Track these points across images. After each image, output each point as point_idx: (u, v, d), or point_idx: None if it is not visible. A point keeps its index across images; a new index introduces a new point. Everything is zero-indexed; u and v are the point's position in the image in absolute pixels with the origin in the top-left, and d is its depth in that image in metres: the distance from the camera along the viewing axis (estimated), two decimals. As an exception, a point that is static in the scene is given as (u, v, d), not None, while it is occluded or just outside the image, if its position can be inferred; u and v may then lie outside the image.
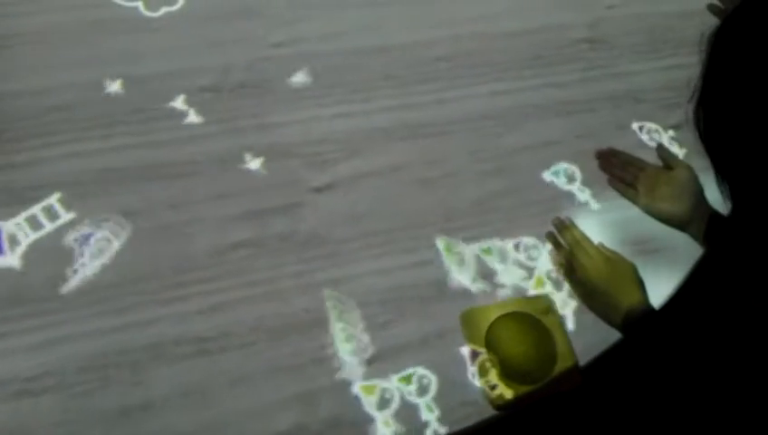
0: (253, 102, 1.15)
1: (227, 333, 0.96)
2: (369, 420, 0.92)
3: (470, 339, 0.99)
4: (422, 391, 0.96)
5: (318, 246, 1.04)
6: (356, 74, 1.20)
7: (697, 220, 1.02)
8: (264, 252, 1.03)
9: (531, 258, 1.07)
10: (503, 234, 1.09)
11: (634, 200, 1.07)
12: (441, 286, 1.04)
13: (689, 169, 1.05)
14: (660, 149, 1.11)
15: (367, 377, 0.96)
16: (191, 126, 1.11)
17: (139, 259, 1.00)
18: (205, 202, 1.05)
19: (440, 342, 1.00)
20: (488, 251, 1.07)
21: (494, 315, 1.00)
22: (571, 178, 1.15)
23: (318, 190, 1.08)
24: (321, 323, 0.99)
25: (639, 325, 0.93)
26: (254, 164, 1.09)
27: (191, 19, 1.21)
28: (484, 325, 0.99)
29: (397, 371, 0.97)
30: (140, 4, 1.22)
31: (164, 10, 1.22)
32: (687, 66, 1.28)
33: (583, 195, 1.14)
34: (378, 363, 0.97)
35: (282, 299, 1.00)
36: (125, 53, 1.16)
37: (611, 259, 0.99)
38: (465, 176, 1.13)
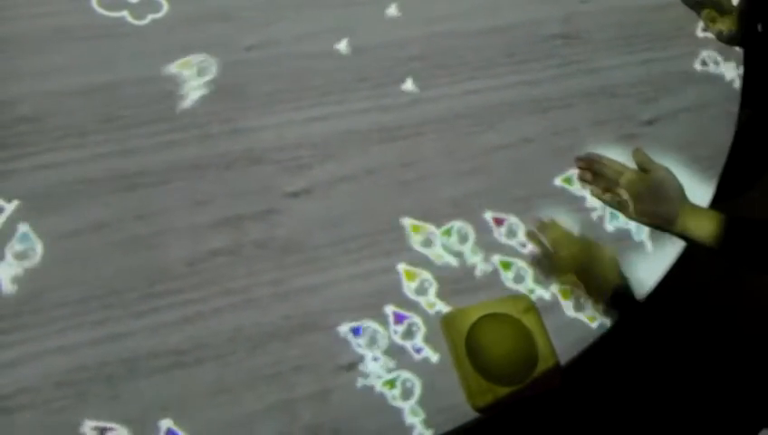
0: (225, 107, 1.13)
1: (204, 344, 0.95)
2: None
3: (451, 342, 0.98)
4: (406, 394, 0.96)
5: (295, 252, 1.03)
6: (330, 76, 1.19)
7: (681, 217, 1.03)
8: (241, 259, 1.01)
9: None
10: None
11: (619, 209, 1.08)
12: (420, 289, 1.03)
13: (666, 169, 1.08)
14: (637, 153, 1.11)
15: (350, 382, 0.95)
16: (163, 133, 1.09)
17: (112, 271, 0.98)
18: (178, 211, 1.04)
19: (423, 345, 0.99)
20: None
21: (474, 317, 0.99)
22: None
23: (294, 195, 1.07)
24: (300, 331, 0.98)
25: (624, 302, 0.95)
26: (229, 170, 1.08)
27: (165, 24, 1.19)
28: (465, 328, 0.98)
29: (380, 376, 0.96)
30: (126, 14, 1.19)
31: (150, 17, 1.19)
32: (662, 60, 1.30)
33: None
34: (357, 370, 0.96)
35: (260, 307, 0.98)
36: (94, 60, 1.14)
37: (590, 247, 1.01)
38: (441, 176, 1.12)
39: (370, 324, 0.99)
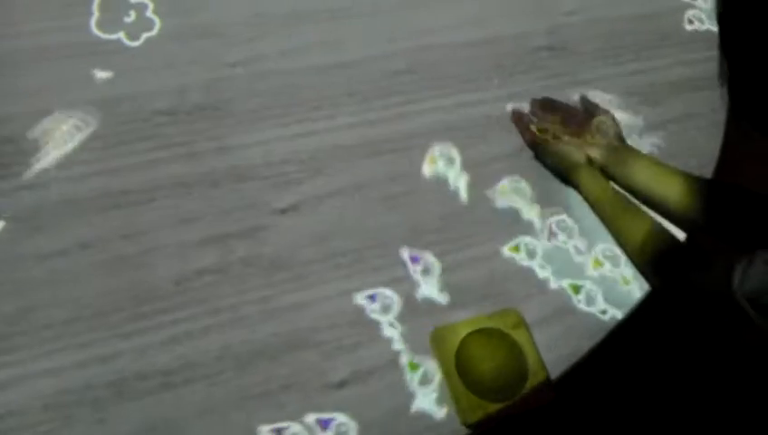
0: (211, 125, 1.12)
1: (192, 364, 0.94)
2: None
3: (440, 358, 0.98)
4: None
5: (284, 269, 1.02)
6: (317, 91, 1.18)
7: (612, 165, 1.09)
8: (228, 278, 1.01)
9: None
10: (470, 247, 1.08)
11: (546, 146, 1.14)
12: (412, 304, 1.02)
13: (609, 113, 1.16)
14: (583, 99, 1.19)
15: (337, 402, 0.94)
16: (148, 151, 1.08)
17: (99, 292, 0.97)
18: (165, 229, 1.03)
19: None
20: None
21: (463, 332, 0.99)
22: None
23: (282, 212, 1.06)
24: (289, 349, 0.97)
25: None
26: (215, 187, 1.07)
27: (151, 42, 1.19)
28: (454, 343, 0.98)
29: (368, 395, 0.95)
30: (122, 35, 1.18)
31: (144, 36, 1.19)
32: (648, 71, 1.31)
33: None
34: (348, 388, 0.95)
35: (248, 325, 0.98)
36: (75, 79, 1.13)
37: None
38: (430, 190, 1.12)
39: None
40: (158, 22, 1.20)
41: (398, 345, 0.99)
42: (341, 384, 0.96)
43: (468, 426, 0.94)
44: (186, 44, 1.19)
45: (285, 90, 1.18)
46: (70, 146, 1.06)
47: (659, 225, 1.02)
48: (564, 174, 1.13)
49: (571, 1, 1.37)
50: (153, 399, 0.91)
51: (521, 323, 1.01)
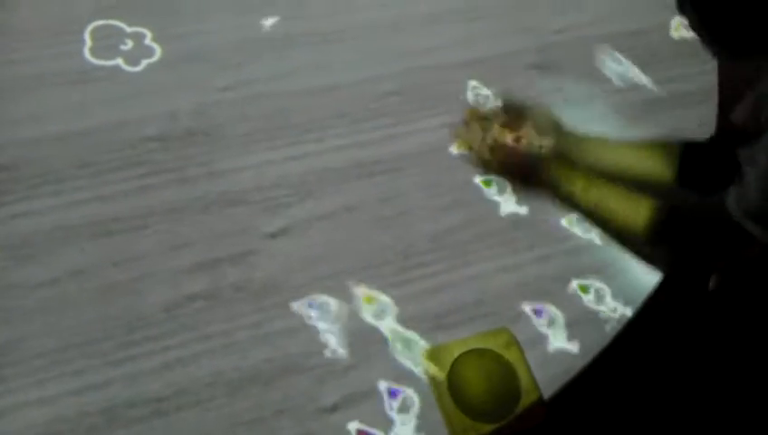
0: (202, 150, 1.13)
1: (184, 391, 0.94)
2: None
3: (432, 378, 0.98)
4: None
5: (274, 294, 1.03)
6: (307, 114, 1.19)
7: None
8: (219, 303, 1.01)
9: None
10: (459, 268, 1.08)
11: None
12: (403, 326, 1.03)
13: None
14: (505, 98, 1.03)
15: (333, 424, 0.94)
16: (139, 178, 1.09)
17: (90, 319, 0.97)
18: (156, 256, 1.03)
19: (404, 383, 0.99)
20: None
21: (456, 353, 0.99)
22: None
23: (272, 236, 1.07)
24: (281, 374, 0.97)
25: None
26: (206, 213, 1.08)
27: (145, 69, 1.20)
28: (447, 363, 0.98)
29: (359, 418, 0.95)
30: (120, 61, 1.19)
31: (145, 63, 1.20)
32: (636, 88, 1.31)
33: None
34: (340, 412, 0.95)
35: (239, 351, 0.98)
36: (68, 106, 1.14)
37: None
38: (420, 212, 1.12)
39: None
40: (158, 49, 1.21)
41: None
42: (333, 408, 0.96)
43: None
44: (175, 70, 1.20)
45: (275, 113, 1.18)
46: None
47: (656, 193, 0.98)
48: (532, 175, 1.00)
49: (560, 20, 1.38)
50: (145, 426, 0.91)
51: (513, 343, 1.01)
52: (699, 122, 1.28)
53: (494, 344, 1.00)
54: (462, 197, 1.15)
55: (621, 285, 1.08)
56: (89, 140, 1.11)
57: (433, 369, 0.98)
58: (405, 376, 0.99)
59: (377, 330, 1.02)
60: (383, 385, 0.97)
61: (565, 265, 1.10)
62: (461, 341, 1.01)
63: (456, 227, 1.12)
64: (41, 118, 1.12)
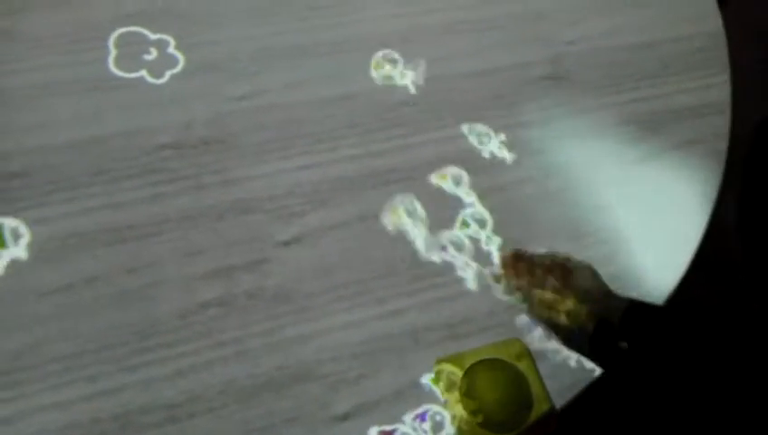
0: (216, 158, 1.14)
1: (196, 398, 0.94)
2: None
3: (444, 388, 0.98)
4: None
5: (287, 302, 1.03)
6: (320, 124, 1.20)
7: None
8: (232, 311, 1.01)
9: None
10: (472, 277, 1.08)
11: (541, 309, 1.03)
12: (415, 336, 1.03)
13: (589, 267, 1.03)
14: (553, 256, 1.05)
15: (345, 432, 0.95)
16: (153, 185, 1.10)
17: (105, 325, 0.98)
18: (170, 263, 1.04)
19: (416, 392, 0.99)
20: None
21: (467, 363, 0.99)
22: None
23: (285, 244, 1.07)
24: (293, 381, 0.97)
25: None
26: (220, 220, 1.08)
27: (157, 75, 1.21)
28: (459, 373, 0.98)
29: (375, 426, 0.95)
30: (145, 73, 1.20)
31: (168, 74, 1.21)
32: (649, 99, 1.31)
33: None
34: (352, 420, 0.95)
35: (252, 358, 0.98)
36: (82, 114, 1.15)
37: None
38: (432, 218, 1.13)
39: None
40: (180, 58, 1.22)
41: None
42: (345, 417, 0.96)
43: None
44: (191, 79, 1.20)
45: (289, 122, 1.19)
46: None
47: None
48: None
49: (573, 30, 1.38)
50: (158, 432, 0.92)
51: (525, 353, 1.01)
52: (713, 133, 1.28)
53: (506, 354, 1.00)
54: (474, 206, 1.15)
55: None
56: (103, 148, 1.12)
57: (444, 378, 0.98)
58: (417, 386, 0.99)
59: (389, 337, 1.02)
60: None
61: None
62: (473, 351, 1.01)
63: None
64: (54, 125, 1.13)
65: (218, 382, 0.96)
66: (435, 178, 1.16)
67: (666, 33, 1.43)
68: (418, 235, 1.11)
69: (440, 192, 1.15)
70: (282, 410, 0.95)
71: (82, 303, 0.99)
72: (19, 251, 1.02)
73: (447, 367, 0.99)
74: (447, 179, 1.16)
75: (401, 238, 1.11)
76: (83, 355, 0.96)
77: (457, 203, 1.15)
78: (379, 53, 1.28)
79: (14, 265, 1.01)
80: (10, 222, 1.04)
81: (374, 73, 1.26)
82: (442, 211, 1.14)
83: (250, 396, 0.95)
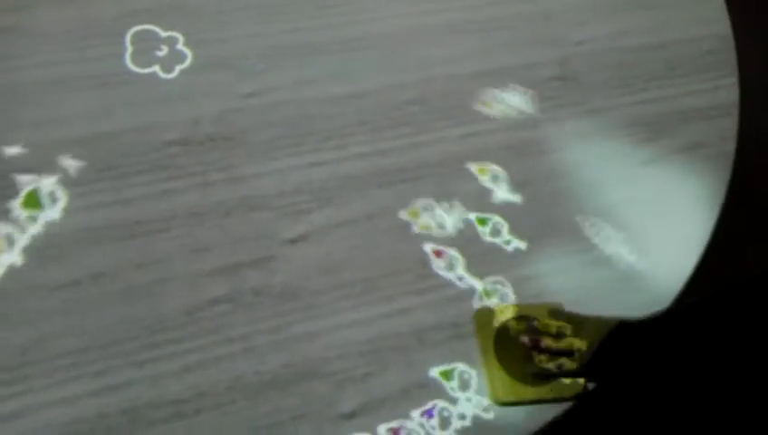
0: (223, 155, 1.14)
1: (203, 394, 0.94)
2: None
3: (480, 337, 1.01)
4: None
5: (294, 300, 1.03)
6: (329, 122, 1.20)
7: None
8: (239, 308, 1.01)
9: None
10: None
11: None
12: (421, 334, 1.03)
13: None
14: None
15: (351, 431, 0.95)
16: (162, 181, 1.10)
17: (112, 321, 0.98)
18: (177, 259, 1.04)
19: (423, 390, 0.99)
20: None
21: (505, 316, 1.01)
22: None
23: (292, 242, 1.07)
24: (300, 379, 0.97)
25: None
26: (228, 217, 1.08)
27: (165, 72, 1.21)
28: (496, 324, 1.01)
29: (381, 423, 0.95)
30: (158, 68, 1.20)
31: (178, 69, 1.21)
32: (657, 100, 1.31)
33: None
34: (358, 418, 0.96)
35: (259, 355, 0.98)
36: (91, 110, 1.15)
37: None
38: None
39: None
40: (189, 54, 1.22)
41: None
42: (352, 415, 0.96)
43: (500, 404, 0.96)
44: (200, 76, 1.20)
45: (298, 120, 1.19)
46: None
47: None
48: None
49: (581, 31, 1.38)
50: (165, 427, 0.92)
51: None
52: (720, 136, 1.28)
53: (543, 315, 1.01)
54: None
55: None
56: (112, 144, 1.12)
57: (484, 328, 1.00)
58: (423, 384, 0.99)
59: (396, 336, 1.02)
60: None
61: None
62: (512, 306, 1.03)
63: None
64: (63, 121, 1.13)
65: (226, 379, 0.96)
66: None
67: (674, 35, 1.42)
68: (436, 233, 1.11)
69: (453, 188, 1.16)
70: (289, 408, 0.95)
71: (90, 298, 0.99)
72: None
73: (486, 317, 1.01)
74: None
75: (409, 237, 1.11)
76: (90, 351, 0.96)
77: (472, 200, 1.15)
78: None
79: (23, 258, 1.01)
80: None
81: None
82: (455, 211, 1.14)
83: (257, 393, 0.96)
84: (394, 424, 0.96)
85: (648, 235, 1.16)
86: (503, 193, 1.17)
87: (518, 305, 1.03)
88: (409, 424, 0.97)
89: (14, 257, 1.01)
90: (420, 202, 1.13)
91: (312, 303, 1.03)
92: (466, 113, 1.24)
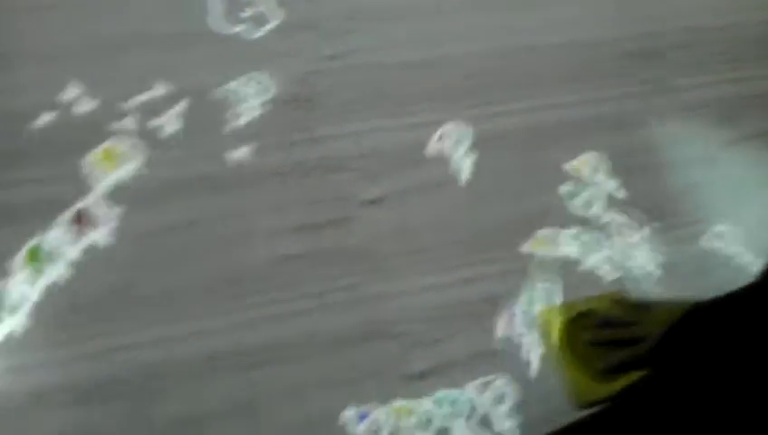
0: (306, 116, 1.16)
1: (281, 346, 0.97)
2: None
3: (548, 339, 1.00)
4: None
5: (368, 261, 1.05)
6: (411, 87, 1.21)
7: None
8: (316, 265, 1.04)
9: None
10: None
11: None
12: (493, 302, 1.04)
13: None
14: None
15: (415, 394, 0.96)
16: (244, 139, 1.12)
17: (193, 270, 1.01)
18: (258, 215, 1.07)
19: (492, 359, 1.00)
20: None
21: (572, 313, 1.00)
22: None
23: (369, 203, 1.09)
24: (372, 338, 0.99)
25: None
26: (307, 177, 1.10)
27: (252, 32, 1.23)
28: (563, 323, 1.00)
29: (446, 387, 0.97)
30: (242, 28, 1.23)
31: (264, 29, 1.24)
32: (739, 80, 1.28)
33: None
34: (427, 380, 0.97)
35: (333, 313, 1.01)
36: (173, 67, 1.18)
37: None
38: (517, 188, 1.13)
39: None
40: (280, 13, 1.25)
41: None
42: (421, 376, 0.98)
43: (580, 407, 0.94)
44: (285, 36, 1.22)
45: (379, 83, 1.20)
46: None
47: None
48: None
49: (658, 8, 1.36)
50: (245, 375, 0.95)
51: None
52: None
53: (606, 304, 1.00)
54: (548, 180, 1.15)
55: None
56: (199, 102, 1.15)
57: (550, 330, 0.99)
58: (490, 352, 1.00)
59: (467, 303, 1.03)
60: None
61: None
62: (578, 301, 1.02)
63: (552, 205, 1.12)
64: (147, 79, 1.16)
65: (301, 333, 0.98)
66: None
67: (756, 16, 1.39)
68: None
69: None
70: (361, 365, 0.98)
71: (181, 245, 1.03)
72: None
73: (551, 318, 1.00)
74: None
75: (484, 205, 1.11)
76: (178, 296, 0.99)
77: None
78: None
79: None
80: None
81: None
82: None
83: (331, 348, 0.98)
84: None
85: (730, 213, 1.15)
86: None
87: (581, 301, 1.02)
88: (466, 394, 0.98)
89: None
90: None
91: (386, 265, 1.05)
92: (541, 87, 1.23)
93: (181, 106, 1.14)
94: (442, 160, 1.15)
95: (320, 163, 1.12)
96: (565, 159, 1.17)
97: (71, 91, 1.13)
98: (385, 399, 0.95)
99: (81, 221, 1.02)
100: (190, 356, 0.95)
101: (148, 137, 1.11)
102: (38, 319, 0.96)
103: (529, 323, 1.02)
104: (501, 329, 1.02)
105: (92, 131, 1.10)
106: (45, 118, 1.10)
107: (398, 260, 1.06)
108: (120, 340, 0.96)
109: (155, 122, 1.12)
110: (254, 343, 0.97)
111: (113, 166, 1.07)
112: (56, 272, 0.99)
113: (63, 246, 1.01)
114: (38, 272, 0.99)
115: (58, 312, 0.96)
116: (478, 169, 1.15)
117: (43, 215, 1.02)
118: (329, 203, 1.09)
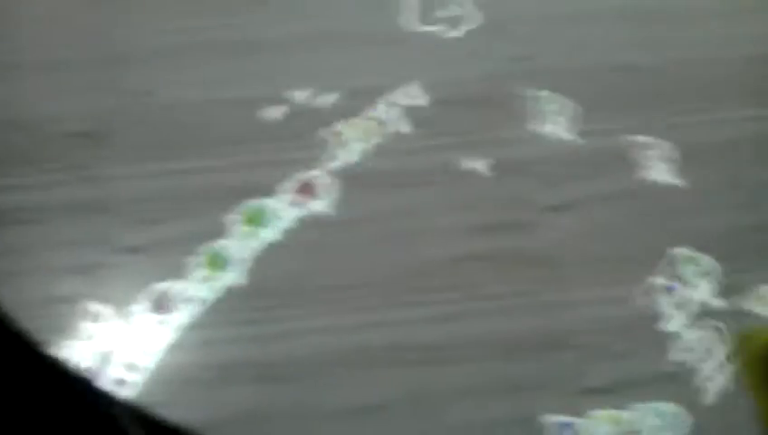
0: (486, 115, 1.16)
1: (457, 345, 0.96)
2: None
3: (746, 365, 0.92)
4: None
5: (549, 267, 1.02)
6: (600, 93, 1.18)
7: None
8: (495, 267, 1.02)
9: None
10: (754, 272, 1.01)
11: None
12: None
13: None
14: None
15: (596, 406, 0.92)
16: (425, 137, 1.13)
17: (374, 263, 1.03)
18: (437, 212, 1.07)
19: (670, 380, 0.94)
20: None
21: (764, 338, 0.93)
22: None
23: (553, 209, 1.07)
24: (550, 347, 0.97)
25: None
26: (486, 178, 1.10)
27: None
28: (760, 350, 0.92)
29: (629, 405, 0.92)
30: (438, 29, 1.26)
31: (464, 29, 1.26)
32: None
33: None
34: (609, 396, 0.93)
35: (511, 316, 0.99)
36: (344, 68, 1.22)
37: None
38: (712, 201, 1.08)
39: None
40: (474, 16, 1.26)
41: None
42: (598, 391, 0.94)
43: None
44: (467, 37, 1.23)
45: (566, 89, 1.18)
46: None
47: None
48: None
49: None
50: (419, 370, 0.95)
51: None
52: None
53: None
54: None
55: None
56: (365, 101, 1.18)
57: (745, 356, 0.93)
58: (676, 376, 0.94)
59: (650, 318, 0.98)
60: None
61: None
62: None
63: (752, 227, 1.05)
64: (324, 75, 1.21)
65: (480, 334, 0.97)
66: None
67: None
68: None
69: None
70: (536, 373, 0.95)
71: (360, 238, 1.05)
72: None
73: (749, 340, 0.93)
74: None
75: (670, 219, 1.05)
76: (353, 288, 1.01)
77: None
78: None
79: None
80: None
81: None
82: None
83: (508, 354, 0.96)
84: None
85: None
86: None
87: None
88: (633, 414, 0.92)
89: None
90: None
91: (567, 273, 1.02)
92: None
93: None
94: (631, 170, 1.10)
95: (502, 164, 1.11)
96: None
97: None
98: (558, 410, 0.92)
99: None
100: (368, 346, 0.97)
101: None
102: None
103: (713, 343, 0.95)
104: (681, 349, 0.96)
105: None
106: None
107: (580, 269, 1.02)
108: (296, 325, 0.98)
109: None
110: (427, 339, 0.97)
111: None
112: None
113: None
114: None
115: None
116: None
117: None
118: (510, 205, 1.08)
